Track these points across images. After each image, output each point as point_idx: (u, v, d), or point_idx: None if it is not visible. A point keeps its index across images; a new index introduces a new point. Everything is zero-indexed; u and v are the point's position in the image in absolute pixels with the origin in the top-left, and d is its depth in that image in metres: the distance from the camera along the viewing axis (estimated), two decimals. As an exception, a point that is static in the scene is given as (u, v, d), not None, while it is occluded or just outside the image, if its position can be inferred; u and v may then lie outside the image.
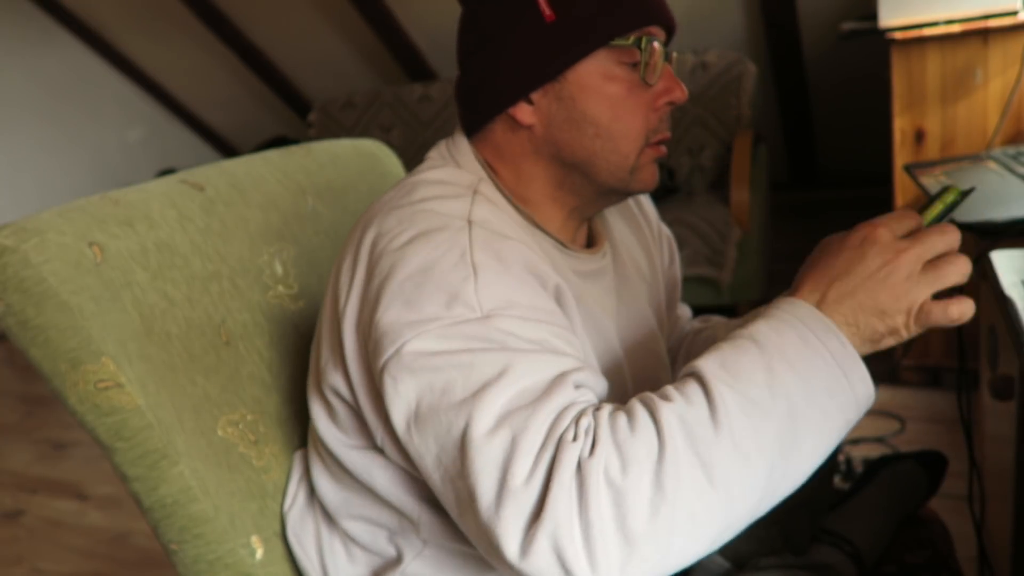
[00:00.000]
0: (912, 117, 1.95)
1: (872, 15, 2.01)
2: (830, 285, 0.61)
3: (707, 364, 0.59)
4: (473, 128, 0.79)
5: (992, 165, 1.27)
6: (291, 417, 0.87)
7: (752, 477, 0.56)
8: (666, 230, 1.00)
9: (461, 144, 0.79)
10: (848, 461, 1.78)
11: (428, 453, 0.61)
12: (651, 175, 0.79)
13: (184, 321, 0.77)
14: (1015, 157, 1.28)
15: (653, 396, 0.59)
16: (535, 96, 0.75)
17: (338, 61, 3.87)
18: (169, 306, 0.76)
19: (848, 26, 2.25)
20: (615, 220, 0.91)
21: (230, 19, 3.74)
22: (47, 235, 0.68)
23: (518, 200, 0.78)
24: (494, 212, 0.72)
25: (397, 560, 0.78)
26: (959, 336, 0.93)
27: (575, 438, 0.56)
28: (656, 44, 0.73)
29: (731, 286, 2.54)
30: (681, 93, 0.76)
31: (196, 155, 4.66)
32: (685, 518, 0.54)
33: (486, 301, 0.63)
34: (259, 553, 0.78)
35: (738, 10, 3.09)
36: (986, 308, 1.16)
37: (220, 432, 0.78)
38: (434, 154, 0.81)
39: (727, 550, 0.89)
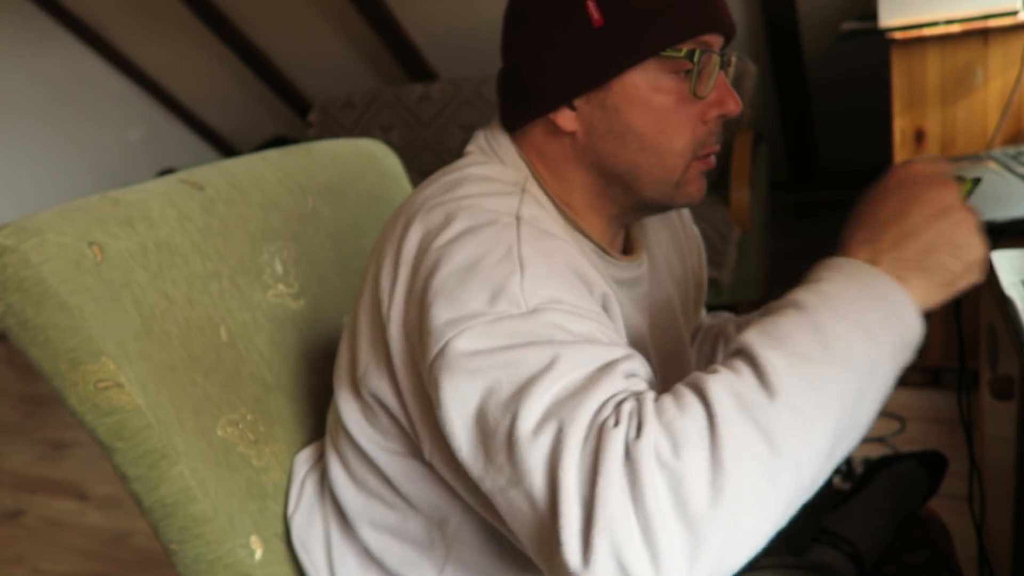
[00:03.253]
0: (912, 117, 1.95)
1: (872, 15, 2.01)
2: (883, 231, 0.58)
3: (747, 335, 0.55)
4: (513, 126, 0.76)
5: (992, 165, 1.27)
6: (292, 417, 0.87)
7: (818, 439, 0.51)
8: (696, 231, 0.97)
9: (502, 140, 0.76)
10: (848, 461, 1.78)
11: (478, 460, 0.57)
12: (697, 189, 0.75)
13: (184, 321, 0.77)
14: (1015, 157, 1.28)
15: (698, 373, 0.55)
16: (578, 102, 0.71)
17: (338, 61, 3.87)
18: (169, 306, 0.76)
19: (848, 26, 2.25)
20: (652, 223, 0.88)
21: (230, 19, 3.74)
22: (47, 235, 0.68)
23: (560, 203, 0.75)
24: (541, 212, 0.70)
25: None
26: (959, 336, 0.93)
27: (617, 423, 0.52)
28: (711, 55, 0.69)
29: (731, 286, 2.54)
30: (735, 105, 0.71)
31: (196, 155, 4.66)
32: (751, 494, 0.49)
33: (531, 297, 0.60)
34: (258, 554, 0.78)
35: (738, 10, 3.09)
36: (986, 308, 1.16)
37: (220, 432, 0.78)
38: (474, 148, 0.78)
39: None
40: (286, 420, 0.86)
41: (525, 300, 0.60)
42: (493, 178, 0.72)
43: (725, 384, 0.52)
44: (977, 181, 0.69)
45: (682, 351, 0.89)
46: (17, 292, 0.67)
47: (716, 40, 0.72)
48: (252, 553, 0.77)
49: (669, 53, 0.68)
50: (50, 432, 2.84)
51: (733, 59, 0.75)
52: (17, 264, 0.66)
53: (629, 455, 0.50)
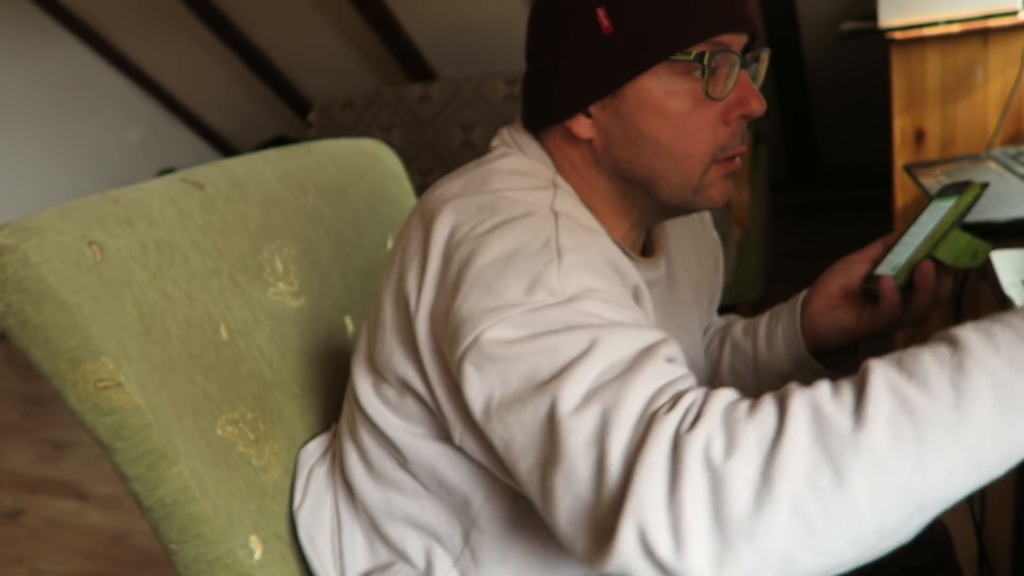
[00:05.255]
0: (912, 117, 1.95)
1: (872, 15, 2.01)
2: None
3: (881, 360, 0.49)
4: (534, 129, 0.76)
5: (992, 165, 1.27)
6: (292, 415, 0.87)
7: (896, 491, 0.46)
8: (715, 236, 0.97)
9: (527, 138, 0.76)
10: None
11: (512, 442, 0.57)
12: (720, 192, 0.75)
13: (184, 320, 0.77)
14: (1015, 157, 1.28)
15: (795, 385, 0.51)
16: (593, 110, 0.71)
17: (338, 61, 3.87)
18: (169, 305, 0.76)
19: (848, 26, 2.25)
20: (673, 225, 0.87)
21: (230, 19, 3.74)
22: (47, 234, 0.68)
23: (583, 204, 0.74)
24: (575, 206, 0.70)
25: (425, 573, 0.76)
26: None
27: (670, 411, 0.51)
28: (725, 56, 0.68)
29: (731, 286, 2.54)
30: (757, 104, 0.70)
31: (196, 155, 4.66)
32: (798, 527, 0.46)
33: (569, 286, 0.60)
34: (257, 554, 0.78)
35: (738, 10, 3.09)
36: (986, 308, 1.15)
37: (219, 431, 0.78)
38: (499, 143, 0.77)
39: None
40: (286, 418, 0.86)
41: (562, 289, 0.60)
42: (524, 172, 0.72)
43: (811, 400, 0.48)
44: (984, 186, 0.70)
45: (696, 354, 0.89)
46: (17, 292, 0.67)
47: (737, 40, 0.70)
48: (251, 553, 0.77)
49: (678, 57, 0.68)
50: (50, 432, 2.84)
51: (763, 56, 0.73)
52: (17, 263, 0.66)
53: (676, 444, 0.49)
